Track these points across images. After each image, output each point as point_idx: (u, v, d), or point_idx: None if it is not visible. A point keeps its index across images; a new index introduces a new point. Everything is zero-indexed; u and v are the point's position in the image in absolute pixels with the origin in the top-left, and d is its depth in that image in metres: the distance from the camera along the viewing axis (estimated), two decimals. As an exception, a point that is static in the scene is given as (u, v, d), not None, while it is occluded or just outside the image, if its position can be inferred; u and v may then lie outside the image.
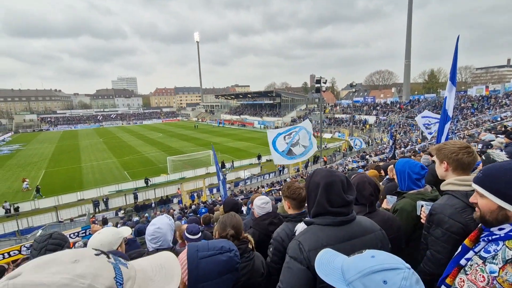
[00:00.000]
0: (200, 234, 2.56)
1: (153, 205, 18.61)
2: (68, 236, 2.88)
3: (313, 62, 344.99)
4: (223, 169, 24.78)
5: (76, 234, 2.82)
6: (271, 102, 66.51)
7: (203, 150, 32.98)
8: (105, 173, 26.15)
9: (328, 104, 64.70)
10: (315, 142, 12.67)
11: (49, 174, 26.41)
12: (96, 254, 0.58)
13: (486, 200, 1.13)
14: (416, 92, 64.93)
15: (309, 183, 1.40)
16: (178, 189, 20.62)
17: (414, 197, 2.05)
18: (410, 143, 25.58)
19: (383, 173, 4.85)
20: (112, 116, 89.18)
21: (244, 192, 18.83)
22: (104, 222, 12.93)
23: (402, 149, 21.30)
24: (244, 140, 43.61)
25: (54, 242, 1.74)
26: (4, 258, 2.58)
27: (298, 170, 25.13)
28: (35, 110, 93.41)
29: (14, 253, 2.65)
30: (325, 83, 29.74)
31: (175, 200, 20.05)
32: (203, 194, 19.71)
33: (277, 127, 54.53)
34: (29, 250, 2.68)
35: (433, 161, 1.92)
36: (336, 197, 1.30)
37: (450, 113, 5.33)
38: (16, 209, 17.29)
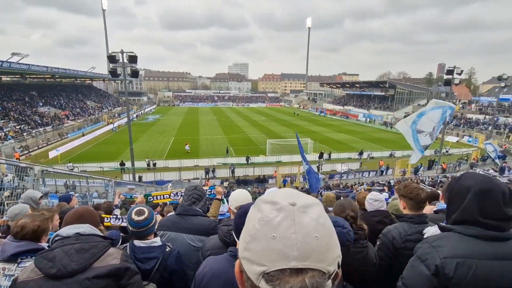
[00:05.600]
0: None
1: (248, 181, 20.45)
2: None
3: (444, 48, 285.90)
4: (319, 159, 24.46)
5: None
6: (383, 93, 59.60)
7: (301, 137, 33.26)
8: (215, 146, 30.33)
9: (459, 100, 52.67)
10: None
11: (176, 141, 32.74)
12: None
13: None
14: None
15: (454, 186, 1.27)
16: (275, 171, 21.79)
17: None
18: None
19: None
20: (225, 97, 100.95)
21: (340, 186, 18.14)
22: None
23: None
24: (345, 132, 41.29)
25: (197, 193, 2.37)
26: (161, 199, 3.68)
27: (404, 173, 22.08)
28: (171, 89, 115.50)
29: (167, 196, 3.71)
30: (460, 74, 24.10)
31: (271, 181, 21.34)
32: (297, 180, 20.16)
33: (385, 123, 48.82)
34: (176, 196, 3.62)
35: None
36: (493, 207, 1.13)
37: None
38: (154, 165, 22.47)
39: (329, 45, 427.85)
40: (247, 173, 22.61)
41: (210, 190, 3.27)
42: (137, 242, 1.93)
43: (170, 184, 14.06)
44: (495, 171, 20.20)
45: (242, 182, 19.96)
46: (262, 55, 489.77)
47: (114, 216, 2.74)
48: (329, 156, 26.47)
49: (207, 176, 21.45)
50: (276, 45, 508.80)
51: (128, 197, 4.55)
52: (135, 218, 1.91)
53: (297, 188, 16.96)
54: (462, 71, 24.27)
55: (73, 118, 40.78)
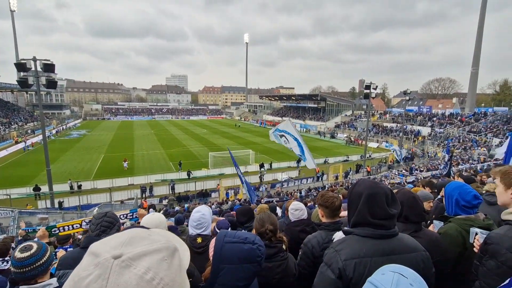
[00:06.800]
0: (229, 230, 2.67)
1: (189, 197, 19.60)
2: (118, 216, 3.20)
3: (363, 67, 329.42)
4: (261, 170, 25.01)
5: (125, 215, 3.18)
6: (315, 105, 65.05)
7: (243, 149, 33.67)
8: (153, 162, 28.34)
9: (377, 111, 60.94)
10: (308, 154, 12.32)
11: (107, 158, 29.51)
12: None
13: None
14: (483, 104, 57.92)
15: (351, 192, 1.39)
16: (218, 184, 21.36)
17: (461, 223, 1.87)
18: (470, 161, 22.83)
19: (429, 190, 4.48)
20: (163, 110, 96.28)
21: (281, 194, 18.76)
22: (151, 207, 14.00)
23: (460, 166, 19.12)
24: (285, 142, 43.35)
25: (108, 220, 2.03)
26: (69, 229, 3.07)
27: (337, 178, 24.21)
28: (100, 101, 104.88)
29: (77, 226, 3.13)
30: (375, 89, 28.07)
31: (213, 195, 20.82)
32: (240, 192, 20.13)
33: (319, 132, 53.19)
34: (88, 225, 3.11)
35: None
36: (379, 209, 1.28)
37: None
38: (79, 187, 19.71)
39: (266, 60, 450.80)
40: (189, 188, 21.61)
41: (132, 213, 2.93)
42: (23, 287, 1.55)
43: (96, 208, 12.41)
44: (406, 170, 23.72)
45: (183, 199, 18.98)
46: (202, 67, 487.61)
47: (1, 259, 2.19)
48: (270, 166, 27.31)
49: (144, 195, 19.77)
50: (215, 58, 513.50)
51: (30, 230, 3.74)
52: (18, 255, 1.54)
53: (239, 200, 16.90)
54: (377, 86, 28.27)
55: (-33, 137, 33.29)
